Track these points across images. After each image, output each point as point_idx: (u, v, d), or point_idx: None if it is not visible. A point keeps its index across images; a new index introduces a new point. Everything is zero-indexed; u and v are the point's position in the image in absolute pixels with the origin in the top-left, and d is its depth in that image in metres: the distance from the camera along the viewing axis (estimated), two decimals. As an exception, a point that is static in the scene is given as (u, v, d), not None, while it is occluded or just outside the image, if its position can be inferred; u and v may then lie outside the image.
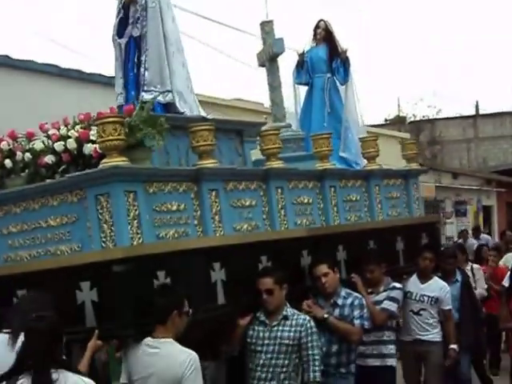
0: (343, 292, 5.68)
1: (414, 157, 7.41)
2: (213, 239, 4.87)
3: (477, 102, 33.41)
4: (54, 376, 3.39)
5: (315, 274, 5.58)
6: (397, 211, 7.08)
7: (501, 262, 9.80)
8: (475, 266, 8.99)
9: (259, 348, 5.09)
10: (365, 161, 6.95)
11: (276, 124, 7.00)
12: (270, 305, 5.10)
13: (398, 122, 31.63)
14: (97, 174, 4.41)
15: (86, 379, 3.56)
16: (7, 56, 10.54)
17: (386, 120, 33.31)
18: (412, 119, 33.35)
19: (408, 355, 6.89)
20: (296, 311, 5.25)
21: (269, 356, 5.06)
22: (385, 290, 6.26)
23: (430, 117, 33.27)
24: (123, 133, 4.42)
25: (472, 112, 33.10)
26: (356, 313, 5.59)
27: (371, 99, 28.27)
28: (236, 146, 6.02)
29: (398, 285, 6.37)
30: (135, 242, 4.38)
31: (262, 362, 5.06)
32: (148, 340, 4.23)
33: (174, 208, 4.75)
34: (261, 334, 5.11)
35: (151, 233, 4.53)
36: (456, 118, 32.81)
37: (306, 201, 5.93)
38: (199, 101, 6.15)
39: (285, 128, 7.01)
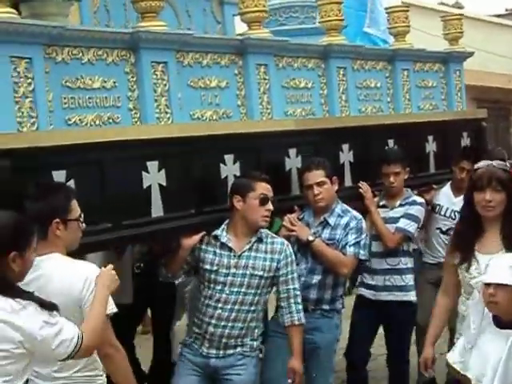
0: (339, 208, 4.29)
1: (458, 37, 5.88)
2: (147, 129, 3.56)
3: None
4: None
5: (306, 180, 4.23)
6: (431, 104, 5.74)
7: None
8: None
9: (222, 279, 3.76)
10: (392, 38, 5.48)
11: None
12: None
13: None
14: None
15: None
16: None
17: (506, 10, 30.61)
18: (535, 9, 30.45)
19: (426, 280, 5.50)
20: (269, 232, 3.94)
21: (235, 290, 3.75)
22: (402, 205, 4.85)
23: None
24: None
25: None
26: (351, 238, 4.20)
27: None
28: (213, 9, 4.64)
29: (419, 199, 4.94)
30: (25, 129, 3.14)
31: (224, 296, 3.75)
32: None
33: (97, 85, 3.47)
34: (225, 261, 3.78)
35: (56, 117, 3.27)
36: None
37: (302, 85, 4.61)
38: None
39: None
